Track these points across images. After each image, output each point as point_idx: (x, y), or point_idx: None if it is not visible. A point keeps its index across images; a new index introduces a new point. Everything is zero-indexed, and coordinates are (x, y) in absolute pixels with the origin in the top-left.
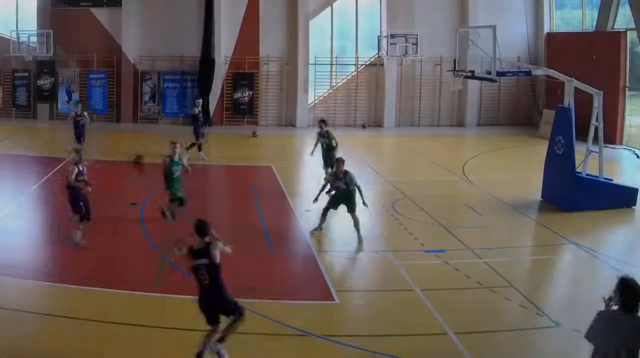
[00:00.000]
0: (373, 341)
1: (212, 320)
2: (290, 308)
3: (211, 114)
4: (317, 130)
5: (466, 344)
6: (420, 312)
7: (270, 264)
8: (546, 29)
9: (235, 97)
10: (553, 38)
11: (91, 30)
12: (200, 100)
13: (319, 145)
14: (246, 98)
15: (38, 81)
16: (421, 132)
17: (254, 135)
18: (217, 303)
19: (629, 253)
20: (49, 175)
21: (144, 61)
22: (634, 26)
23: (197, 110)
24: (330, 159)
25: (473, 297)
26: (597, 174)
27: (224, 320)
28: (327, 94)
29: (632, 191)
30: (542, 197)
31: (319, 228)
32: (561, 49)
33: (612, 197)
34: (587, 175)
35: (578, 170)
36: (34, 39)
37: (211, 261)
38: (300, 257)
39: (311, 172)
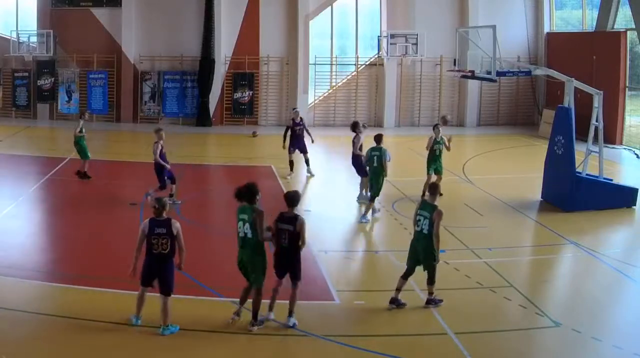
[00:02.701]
0: (373, 341)
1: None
2: None
3: (211, 114)
4: (431, 134)
5: (466, 344)
6: (420, 312)
7: (270, 264)
8: (546, 29)
9: (235, 97)
10: (553, 38)
11: (91, 30)
12: (298, 110)
13: (431, 150)
14: (246, 98)
15: (38, 81)
16: (421, 132)
17: (254, 135)
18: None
19: (629, 253)
20: (49, 175)
21: (144, 61)
22: (634, 26)
23: (295, 120)
24: (440, 165)
25: (473, 297)
26: (597, 174)
27: None
28: (327, 94)
29: (632, 191)
30: (542, 197)
31: None
32: (561, 49)
33: (612, 197)
34: (587, 175)
35: (578, 170)
36: (34, 39)
37: (294, 230)
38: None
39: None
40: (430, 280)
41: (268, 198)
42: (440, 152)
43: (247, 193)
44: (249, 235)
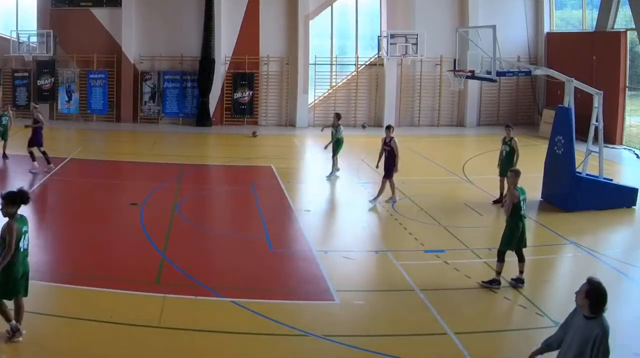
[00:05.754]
0: (373, 341)
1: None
2: (290, 308)
3: (211, 114)
4: (503, 136)
5: (466, 344)
6: (420, 312)
7: (270, 264)
8: (546, 29)
9: (235, 97)
10: (553, 38)
11: (91, 30)
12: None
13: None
14: (246, 98)
15: (38, 81)
16: (421, 132)
17: (254, 135)
18: None
19: (629, 253)
20: (49, 175)
21: (144, 61)
22: (634, 26)
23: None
24: (509, 167)
25: (473, 297)
26: (597, 174)
27: None
28: (327, 94)
29: (632, 191)
30: (542, 197)
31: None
32: (561, 49)
33: (612, 197)
34: (587, 175)
35: (578, 170)
36: (34, 39)
37: None
38: (300, 257)
39: (311, 172)
40: (523, 258)
41: (269, 198)
42: (507, 153)
43: (22, 201)
44: (26, 246)
